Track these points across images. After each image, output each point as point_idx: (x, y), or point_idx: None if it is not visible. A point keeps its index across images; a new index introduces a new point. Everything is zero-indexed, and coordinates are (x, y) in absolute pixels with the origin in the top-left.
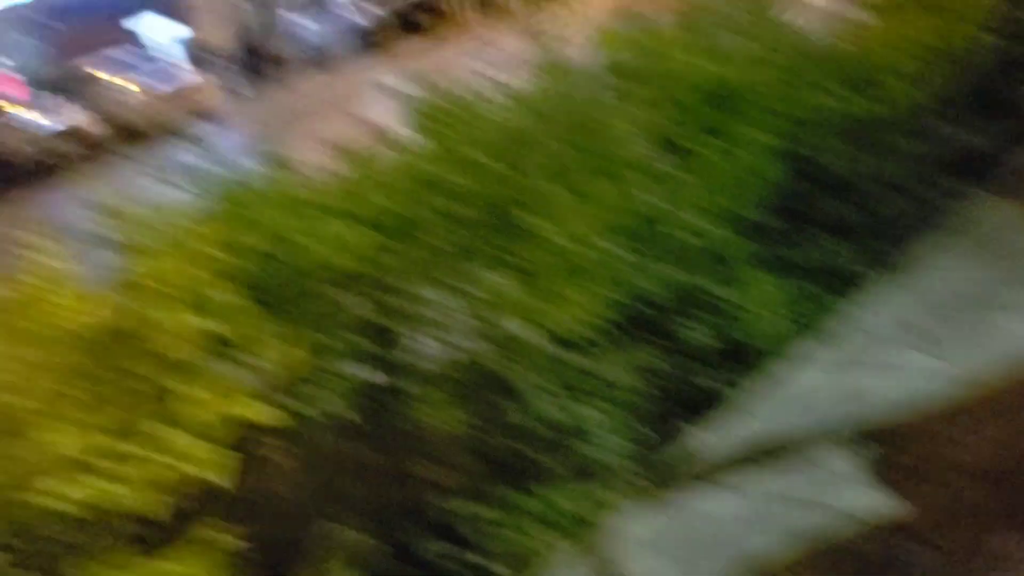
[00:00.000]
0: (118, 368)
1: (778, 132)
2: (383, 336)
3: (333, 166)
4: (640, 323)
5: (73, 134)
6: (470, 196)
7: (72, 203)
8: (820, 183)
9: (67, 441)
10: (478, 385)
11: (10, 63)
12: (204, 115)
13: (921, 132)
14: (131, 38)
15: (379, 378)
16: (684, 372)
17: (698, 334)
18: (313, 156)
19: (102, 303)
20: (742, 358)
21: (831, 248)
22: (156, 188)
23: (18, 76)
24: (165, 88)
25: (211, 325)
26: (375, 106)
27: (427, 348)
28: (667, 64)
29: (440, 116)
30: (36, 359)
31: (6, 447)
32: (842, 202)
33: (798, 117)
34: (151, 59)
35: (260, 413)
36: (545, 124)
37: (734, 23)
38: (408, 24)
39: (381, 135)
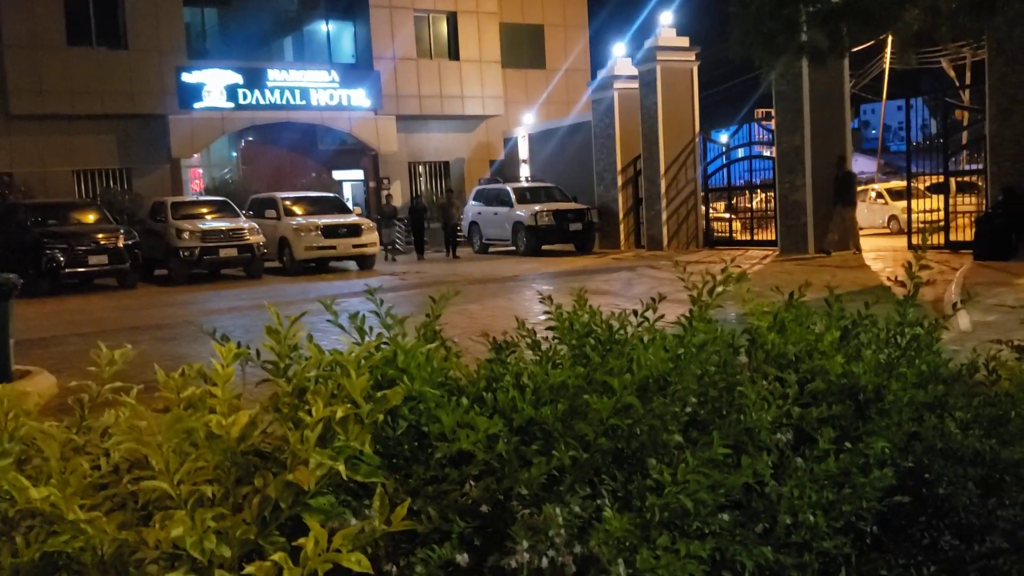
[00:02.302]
0: (251, 485)
1: (895, 442)
2: (482, 526)
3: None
4: None
5: (237, 245)
6: (601, 422)
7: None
8: (924, 503)
9: (189, 540)
10: None
11: (207, 176)
12: (363, 259)
13: None
14: (331, 184)
15: (463, 560)
16: None
17: None
18: (459, 332)
19: (249, 418)
20: None
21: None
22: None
23: (203, 184)
24: (338, 228)
25: (338, 465)
26: (527, 302)
27: (518, 550)
28: (806, 350)
29: (583, 335)
30: (183, 456)
31: (135, 526)
32: (942, 528)
33: (915, 431)
34: (336, 209)
35: (361, 565)
36: (680, 373)
37: (879, 328)
38: (566, 233)
39: (529, 335)
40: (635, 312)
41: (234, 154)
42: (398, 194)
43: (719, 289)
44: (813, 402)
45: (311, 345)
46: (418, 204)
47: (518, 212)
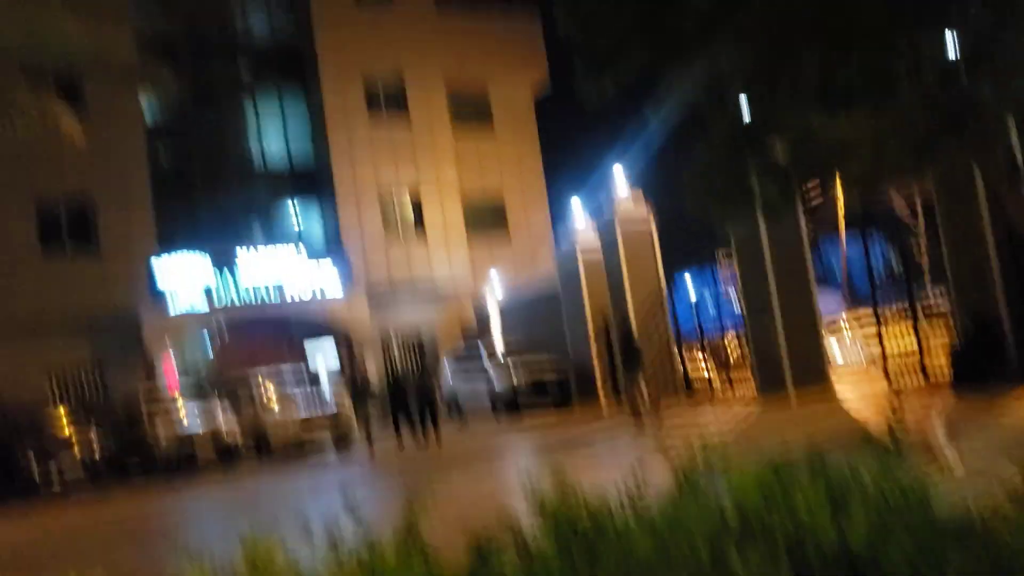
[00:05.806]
0: None
1: None
2: None
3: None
4: None
5: (212, 437)
6: None
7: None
8: None
9: None
10: None
11: (180, 362)
12: (342, 443)
13: None
14: (302, 359)
15: None
16: None
17: None
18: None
19: None
20: None
21: None
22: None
23: (176, 375)
24: (312, 411)
25: None
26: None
27: None
28: (790, 514)
29: (566, 520)
30: None
31: None
32: None
33: None
34: (309, 381)
35: None
36: (665, 550)
37: (863, 479)
38: (544, 395)
39: (509, 522)
40: (618, 491)
41: (207, 339)
42: (371, 368)
43: (700, 459)
44: (806, 572)
45: None
46: (400, 382)
47: (494, 377)
